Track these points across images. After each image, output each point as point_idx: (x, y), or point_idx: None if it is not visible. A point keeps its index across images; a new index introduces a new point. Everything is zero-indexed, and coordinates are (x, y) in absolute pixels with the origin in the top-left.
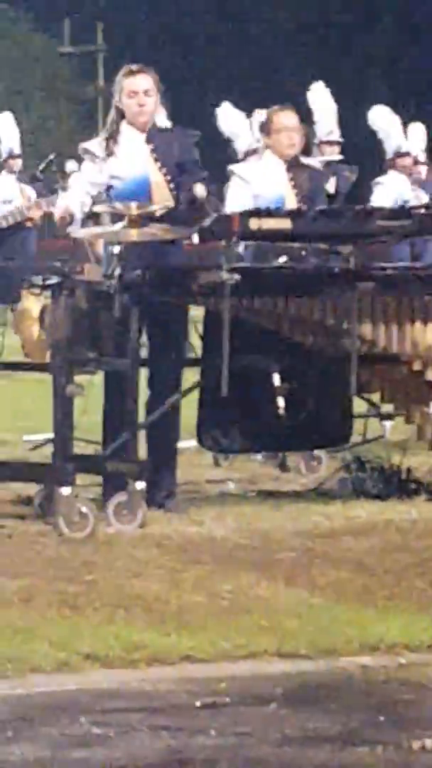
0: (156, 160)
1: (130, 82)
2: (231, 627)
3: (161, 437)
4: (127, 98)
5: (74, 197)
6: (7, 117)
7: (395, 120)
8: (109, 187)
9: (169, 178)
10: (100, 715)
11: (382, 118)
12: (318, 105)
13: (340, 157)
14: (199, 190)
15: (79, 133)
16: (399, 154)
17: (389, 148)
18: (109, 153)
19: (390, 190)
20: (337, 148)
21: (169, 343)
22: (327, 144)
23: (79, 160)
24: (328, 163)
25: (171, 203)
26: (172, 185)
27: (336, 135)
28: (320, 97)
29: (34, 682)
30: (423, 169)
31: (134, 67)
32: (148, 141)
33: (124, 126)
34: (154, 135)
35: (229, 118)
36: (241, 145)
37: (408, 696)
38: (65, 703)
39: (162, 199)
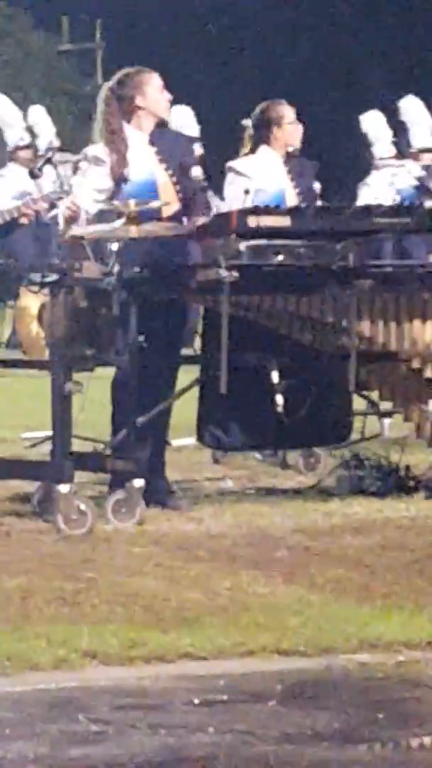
0: (161, 161)
1: (157, 78)
2: (229, 624)
3: (151, 435)
4: (158, 93)
5: (83, 199)
6: (10, 107)
7: (385, 124)
8: (112, 194)
9: (174, 179)
10: (98, 712)
11: (373, 123)
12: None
13: None
14: (195, 172)
15: (77, 131)
16: (382, 159)
17: (377, 152)
18: (118, 156)
19: (375, 191)
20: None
21: (164, 340)
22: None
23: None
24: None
25: (177, 203)
26: (177, 187)
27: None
28: (413, 108)
29: (33, 680)
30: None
31: (145, 68)
32: (152, 143)
33: (126, 128)
34: (156, 137)
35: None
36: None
37: (406, 693)
38: (63, 700)
39: (169, 199)
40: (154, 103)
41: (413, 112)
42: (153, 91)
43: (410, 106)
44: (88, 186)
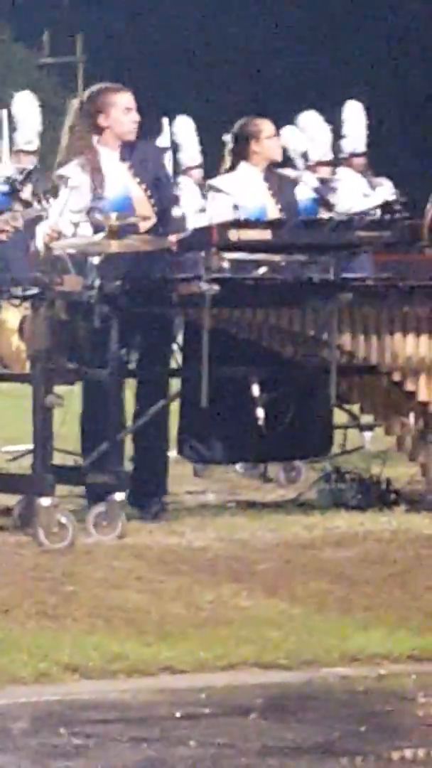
0: (134, 175)
1: (123, 98)
2: (211, 637)
3: (150, 447)
4: (122, 115)
5: (62, 223)
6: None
7: (324, 127)
8: (91, 209)
9: (149, 193)
10: (80, 725)
11: (311, 124)
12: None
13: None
14: (176, 211)
15: (59, 144)
16: (321, 162)
17: (314, 155)
18: (92, 172)
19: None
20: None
21: (154, 353)
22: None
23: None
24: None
25: (153, 218)
26: (152, 200)
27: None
28: (312, 122)
29: (14, 693)
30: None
31: (115, 85)
32: (123, 158)
33: (97, 144)
34: (127, 152)
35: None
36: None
37: (388, 707)
38: (45, 714)
39: (145, 213)
40: (116, 124)
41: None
42: (116, 112)
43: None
44: (66, 210)
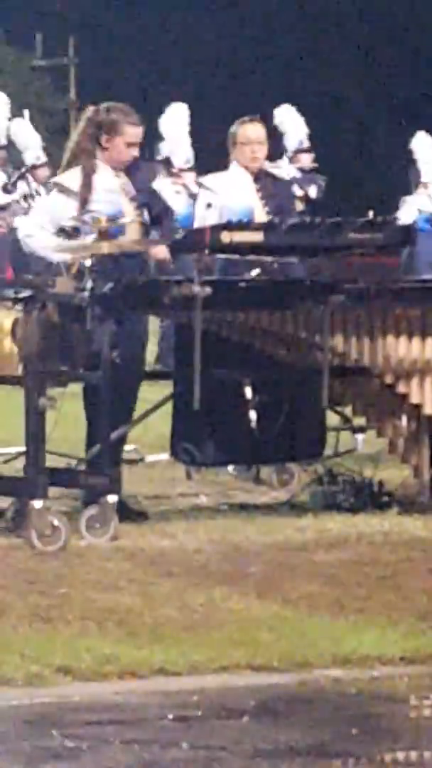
0: (126, 193)
1: (135, 133)
2: (203, 640)
3: None
4: (124, 147)
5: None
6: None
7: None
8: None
9: (138, 211)
10: (72, 728)
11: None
12: (285, 123)
13: (314, 165)
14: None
15: (50, 146)
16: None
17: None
18: (83, 180)
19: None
20: (310, 157)
21: (130, 355)
22: (301, 152)
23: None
24: (307, 171)
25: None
26: (142, 218)
27: (306, 143)
28: (287, 116)
29: (7, 696)
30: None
31: (130, 113)
32: (117, 175)
33: (99, 163)
34: (123, 171)
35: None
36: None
37: (380, 709)
38: (37, 716)
39: (134, 230)
40: (116, 153)
41: (287, 119)
42: (120, 143)
43: (284, 114)
44: (45, 213)
